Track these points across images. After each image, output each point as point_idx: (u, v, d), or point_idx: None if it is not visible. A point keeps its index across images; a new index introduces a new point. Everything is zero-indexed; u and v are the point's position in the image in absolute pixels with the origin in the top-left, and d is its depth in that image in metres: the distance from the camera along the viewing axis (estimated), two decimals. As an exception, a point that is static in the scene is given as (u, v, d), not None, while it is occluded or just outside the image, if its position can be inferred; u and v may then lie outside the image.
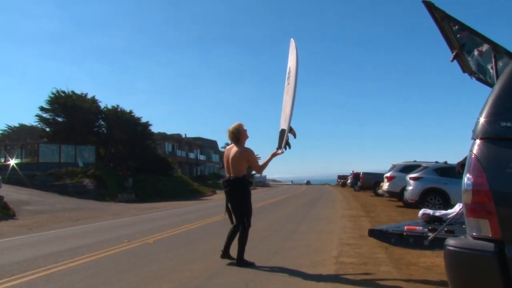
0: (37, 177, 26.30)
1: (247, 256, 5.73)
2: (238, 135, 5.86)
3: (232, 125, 5.92)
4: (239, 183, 5.75)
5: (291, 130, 5.83)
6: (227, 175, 5.90)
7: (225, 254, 5.90)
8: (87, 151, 33.86)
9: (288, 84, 6.21)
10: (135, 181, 31.40)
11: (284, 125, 6.00)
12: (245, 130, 5.93)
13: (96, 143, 35.39)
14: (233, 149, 5.88)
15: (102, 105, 35.97)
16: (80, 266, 5.91)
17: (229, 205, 5.86)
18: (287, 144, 5.85)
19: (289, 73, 6.29)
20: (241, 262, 5.64)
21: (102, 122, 36.11)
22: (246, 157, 5.80)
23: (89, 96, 35.33)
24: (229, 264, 5.73)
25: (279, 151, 5.91)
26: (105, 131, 36.16)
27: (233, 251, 5.78)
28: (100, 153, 35.44)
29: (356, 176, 33.32)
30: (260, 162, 5.95)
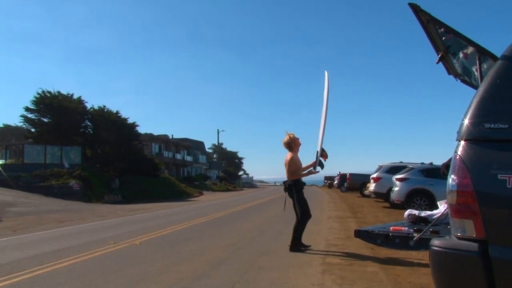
0: (22, 178, 25.87)
1: (235, 258, 6.08)
2: (290, 144, 6.73)
3: (285, 137, 6.77)
4: (293, 186, 6.75)
5: (323, 152, 6.70)
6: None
7: (297, 244, 6.71)
8: (73, 152, 33.40)
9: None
10: (122, 182, 31.07)
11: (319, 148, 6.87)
12: (297, 138, 6.78)
13: (82, 144, 34.91)
14: (287, 156, 6.76)
15: (89, 105, 35.41)
16: (66, 268, 5.85)
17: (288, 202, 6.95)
18: (321, 164, 6.76)
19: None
20: (294, 247, 6.63)
21: (89, 123, 35.58)
22: (288, 161, 6.65)
23: (75, 97, 34.82)
24: (303, 249, 6.69)
25: (314, 170, 6.81)
26: (91, 131, 35.64)
27: (307, 239, 7.07)
28: (86, 154, 34.97)
29: (343, 177, 33.46)
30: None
